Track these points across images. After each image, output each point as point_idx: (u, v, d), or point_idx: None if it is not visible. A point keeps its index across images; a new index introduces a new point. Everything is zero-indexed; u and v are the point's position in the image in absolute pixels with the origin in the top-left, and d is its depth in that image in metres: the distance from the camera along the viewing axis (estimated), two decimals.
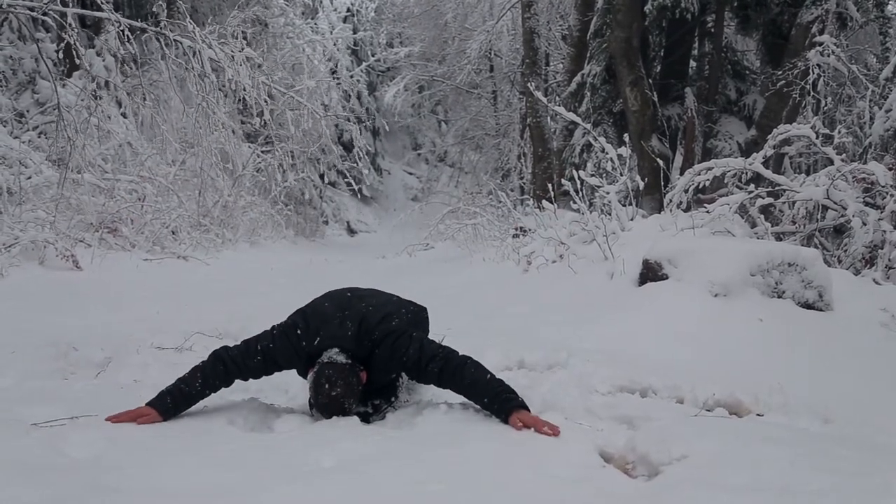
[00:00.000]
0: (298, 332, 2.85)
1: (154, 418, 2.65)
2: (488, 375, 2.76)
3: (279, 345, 2.86)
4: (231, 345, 2.93)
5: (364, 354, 2.81)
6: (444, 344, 2.91)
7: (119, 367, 3.59)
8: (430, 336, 3.17)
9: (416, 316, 3.23)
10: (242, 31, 13.57)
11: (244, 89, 10.72)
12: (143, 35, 10.72)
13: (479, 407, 2.78)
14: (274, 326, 2.94)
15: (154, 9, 12.44)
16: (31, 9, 8.33)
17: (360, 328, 2.83)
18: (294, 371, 3.00)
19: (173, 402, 2.73)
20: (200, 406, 2.84)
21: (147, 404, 2.69)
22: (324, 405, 2.73)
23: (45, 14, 8.20)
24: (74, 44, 8.36)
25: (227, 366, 2.82)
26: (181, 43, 10.08)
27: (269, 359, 2.86)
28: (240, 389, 3.23)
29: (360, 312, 2.90)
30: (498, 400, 2.69)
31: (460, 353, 2.83)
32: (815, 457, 2.26)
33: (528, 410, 2.66)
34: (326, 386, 2.71)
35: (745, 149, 10.23)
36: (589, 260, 6.79)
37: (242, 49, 11.04)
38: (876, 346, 4.51)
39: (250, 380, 2.94)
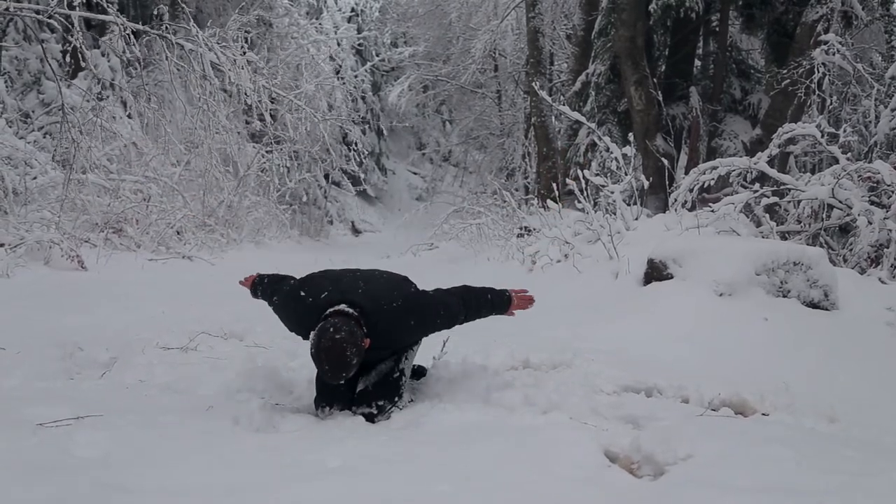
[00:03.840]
0: (301, 293, 2.92)
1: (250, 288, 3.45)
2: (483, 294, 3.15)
3: (283, 309, 3.06)
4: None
5: (375, 312, 2.77)
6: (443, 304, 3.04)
7: (124, 367, 3.59)
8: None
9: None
10: (246, 32, 13.58)
11: (245, 93, 10.74)
12: (145, 37, 10.72)
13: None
14: (290, 283, 3.13)
15: (157, 11, 12.46)
16: (37, 12, 8.36)
17: (370, 286, 2.91)
18: (297, 372, 2.98)
19: (268, 279, 3.40)
20: (206, 405, 2.87)
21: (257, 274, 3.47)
22: (326, 349, 2.62)
23: (50, 17, 8.23)
24: (80, 46, 8.38)
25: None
26: (182, 46, 10.09)
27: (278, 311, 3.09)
28: (245, 389, 3.24)
29: (371, 274, 3.07)
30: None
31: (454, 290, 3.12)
32: (820, 457, 2.25)
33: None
34: (331, 330, 2.64)
35: (750, 148, 10.20)
36: (594, 259, 6.79)
37: (244, 53, 11.05)
38: (882, 345, 4.50)
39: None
